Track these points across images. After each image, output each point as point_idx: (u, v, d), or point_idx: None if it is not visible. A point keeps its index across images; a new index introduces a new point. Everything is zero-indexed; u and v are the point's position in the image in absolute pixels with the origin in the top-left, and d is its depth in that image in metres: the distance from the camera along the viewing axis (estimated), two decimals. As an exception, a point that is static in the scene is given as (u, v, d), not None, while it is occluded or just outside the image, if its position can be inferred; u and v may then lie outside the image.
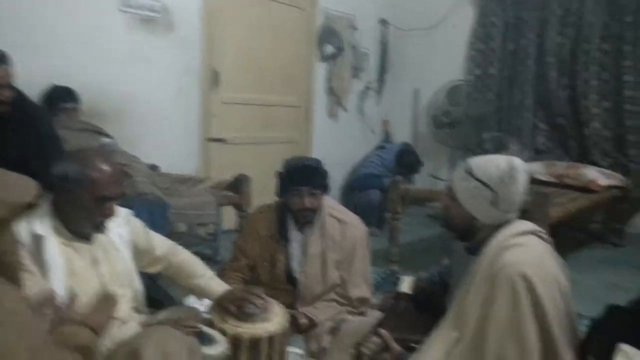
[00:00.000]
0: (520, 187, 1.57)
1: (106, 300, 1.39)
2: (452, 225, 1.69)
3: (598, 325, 1.08)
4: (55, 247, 1.52)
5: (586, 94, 4.78)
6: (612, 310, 1.08)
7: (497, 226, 1.59)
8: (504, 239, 1.54)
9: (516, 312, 1.42)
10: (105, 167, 1.55)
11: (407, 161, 4.91)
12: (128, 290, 1.69)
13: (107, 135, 2.95)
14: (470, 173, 1.59)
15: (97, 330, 1.28)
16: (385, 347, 1.63)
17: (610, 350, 1.00)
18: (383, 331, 1.65)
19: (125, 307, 1.64)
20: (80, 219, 1.56)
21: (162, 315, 1.73)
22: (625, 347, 0.90)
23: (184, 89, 3.88)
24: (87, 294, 1.55)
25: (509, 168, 1.55)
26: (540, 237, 1.60)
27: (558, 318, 1.45)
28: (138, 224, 1.83)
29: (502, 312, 1.43)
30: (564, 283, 1.54)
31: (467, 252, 1.70)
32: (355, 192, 4.72)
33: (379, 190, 4.54)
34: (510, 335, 1.41)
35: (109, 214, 1.59)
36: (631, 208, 4.50)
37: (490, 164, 1.58)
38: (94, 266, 1.60)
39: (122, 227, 1.74)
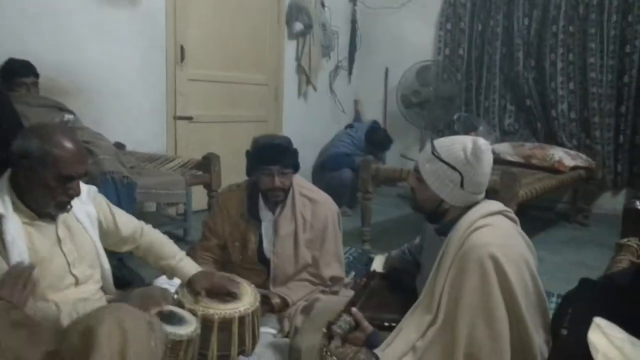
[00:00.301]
0: (486, 168, 1.57)
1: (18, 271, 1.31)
2: (420, 207, 1.68)
3: (571, 299, 1.09)
4: (17, 227, 1.46)
5: (553, 76, 4.85)
6: (585, 284, 1.09)
7: (466, 207, 1.59)
8: (473, 220, 1.53)
9: (485, 294, 1.43)
10: (69, 145, 1.48)
11: (376, 139, 4.91)
12: (95, 270, 1.64)
13: (68, 111, 2.84)
14: (435, 155, 1.57)
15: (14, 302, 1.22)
16: (357, 326, 1.62)
17: (583, 323, 1.00)
18: (354, 309, 1.64)
19: (92, 288, 1.59)
20: (42, 197, 1.49)
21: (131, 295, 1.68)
22: (599, 321, 0.91)
23: (149, 65, 3.77)
24: (52, 274, 1.50)
25: (474, 149, 1.55)
26: (507, 216, 1.61)
27: (527, 297, 1.47)
28: (104, 202, 1.77)
29: (472, 294, 1.44)
30: (532, 261, 1.55)
31: (436, 232, 1.70)
32: (327, 172, 4.69)
33: (350, 169, 4.53)
34: (480, 317, 1.42)
35: (74, 193, 1.52)
36: (596, 189, 4.62)
37: (455, 145, 1.57)
38: (58, 245, 1.54)
39: (89, 204, 1.67)
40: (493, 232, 1.51)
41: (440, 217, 1.65)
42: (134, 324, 1.24)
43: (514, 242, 1.54)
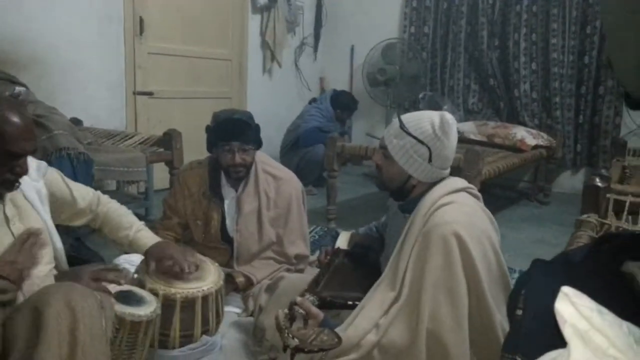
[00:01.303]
0: (453, 142, 1.58)
1: (25, 241, 1.23)
2: (386, 185, 1.67)
3: (524, 279, 1.09)
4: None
5: (516, 55, 4.89)
6: (537, 264, 1.08)
7: (431, 184, 1.59)
8: (436, 198, 1.53)
9: (449, 272, 1.43)
10: (17, 120, 1.39)
11: (343, 101, 4.82)
12: (47, 249, 1.56)
13: (20, 84, 2.69)
14: (403, 130, 1.56)
15: (12, 279, 1.15)
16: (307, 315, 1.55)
17: (537, 302, 0.99)
18: (300, 299, 1.54)
19: (43, 269, 1.51)
20: None
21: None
22: (566, 290, 0.89)
23: (106, 37, 3.62)
24: (-1, 255, 1.41)
25: (441, 123, 1.55)
26: (471, 193, 1.62)
27: (489, 274, 1.48)
28: (55, 174, 1.69)
29: (436, 272, 1.44)
30: (495, 238, 1.57)
31: (400, 210, 1.69)
32: (301, 149, 4.59)
33: (324, 145, 4.47)
34: (443, 294, 1.43)
35: (21, 172, 1.43)
36: (556, 167, 4.72)
37: (423, 120, 1.57)
38: (6, 225, 1.46)
39: (38, 181, 1.59)
40: (457, 210, 1.51)
41: (406, 195, 1.64)
42: (84, 303, 1.18)
43: (477, 219, 1.54)
